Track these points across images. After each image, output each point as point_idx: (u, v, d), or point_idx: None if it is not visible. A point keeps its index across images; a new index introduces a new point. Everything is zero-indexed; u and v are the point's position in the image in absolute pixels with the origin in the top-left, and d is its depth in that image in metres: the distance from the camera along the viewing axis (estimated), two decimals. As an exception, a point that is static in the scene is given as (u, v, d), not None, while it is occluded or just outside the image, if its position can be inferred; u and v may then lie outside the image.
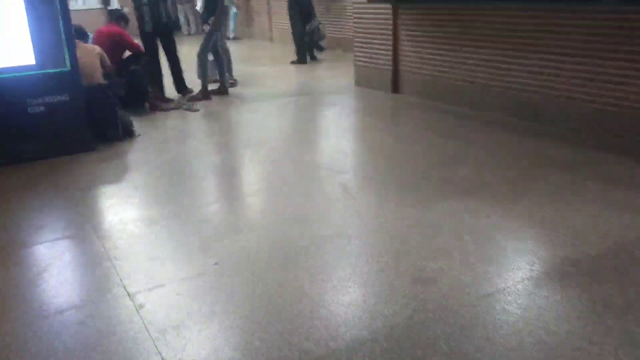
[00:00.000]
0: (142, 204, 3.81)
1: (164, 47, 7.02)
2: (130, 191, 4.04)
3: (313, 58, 9.93)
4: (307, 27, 9.55)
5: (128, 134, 5.32)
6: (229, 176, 4.53)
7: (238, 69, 8.27)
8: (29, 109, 4.66)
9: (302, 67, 9.45)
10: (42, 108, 4.71)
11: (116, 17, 7.17)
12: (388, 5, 6.52)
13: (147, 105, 6.48)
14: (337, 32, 10.71)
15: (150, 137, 5.42)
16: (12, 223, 3.51)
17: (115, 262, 2.90)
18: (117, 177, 4.40)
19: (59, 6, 4.60)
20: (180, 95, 7.19)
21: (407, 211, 3.39)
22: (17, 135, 4.63)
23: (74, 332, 2.33)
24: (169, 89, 7.13)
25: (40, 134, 4.71)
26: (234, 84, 7.76)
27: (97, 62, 5.41)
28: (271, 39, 13.14)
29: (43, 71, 4.67)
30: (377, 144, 5.03)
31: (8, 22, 4.50)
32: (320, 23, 9.73)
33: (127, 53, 6.96)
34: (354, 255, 2.89)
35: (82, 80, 4.95)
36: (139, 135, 5.40)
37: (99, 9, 16.25)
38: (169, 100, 6.89)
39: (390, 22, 6.58)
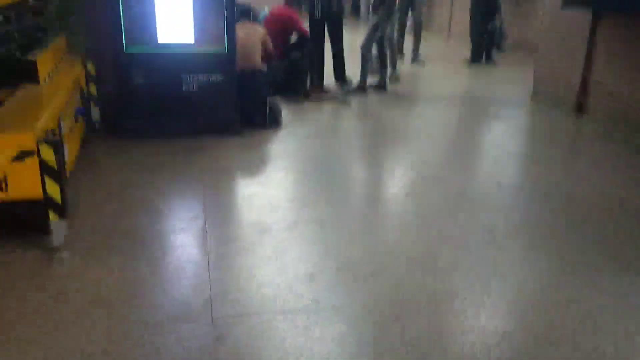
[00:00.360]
0: (279, 204, 3.57)
1: (330, 34, 6.76)
2: (271, 189, 3.84)
3: (489, 59, 9.04)
4: (489, 26, 8.68)
5: (275, 122, 5.15)
6: (361, 191, 4.12)
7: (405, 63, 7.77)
8: (183, 86, 4.69)
9: (476, 69, 8.65)
10: (195, 87, 4.71)
11: (290, -1, 7.08)
12: (586, 13, 5.53)
13: (301, 92, 6.31)
14: (521, 34, 9.64)
15: (296, 129, 5.21)
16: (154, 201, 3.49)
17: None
18: (257, 169, 4.25)
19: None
20: (337, 83, 6.93)
21: (567, 282, 2.70)
22: (170, 110, 4.69)
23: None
24: (328, 76, 6.89)
25: (191, 111, 4.73)
26: (396, 79, 7.30)
27: (258, 45, 5.30)
28: (449, 34, 12.37)
29: (200, 50, 4.65)
30: (544, 180, 4.10)
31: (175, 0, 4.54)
32: (502, 22, 8.81)
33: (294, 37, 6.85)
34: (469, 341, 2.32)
35: (239, 62, 4.86)
36: (286, 125, 5.21)
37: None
38: (324, 89, 6.66)
39: (587, 32, 5.59)
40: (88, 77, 4.54)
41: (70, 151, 3.50)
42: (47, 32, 4.22)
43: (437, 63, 9.18)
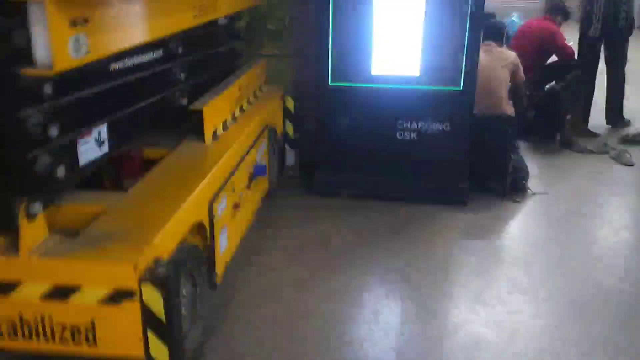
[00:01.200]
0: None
1: (607, 58, 4.94)
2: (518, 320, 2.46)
3: None
4: None
5: (518, 189, 3.67)
6: None
7: None
8: (397, 134, 3.50)
9: None
10: (414, 135, 3.49)
11: (552, 7, 5.38)
12: None
13: (557, 137, 4.65)
14: None
15: (551, 202, 3.65)
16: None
17: None
18: (488, 274, 2.84)
19: (468, 14, 3.19)
20: (609, 128, 5.08)
21: None
22: (377, 163, 3.54)
23: None
24: (596, 118, 5.07)
25: (403, 168, 3.52)
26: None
27: (506, 79, 3.84)
28: None
29: (424, 87, 3.40)
30: None
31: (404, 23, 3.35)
32: None
33: (551, 58, 5.19)
34: None
35: (478, 103, 3.51)
36: (534, 194, 3.69)
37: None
38: (591, 134, 4.88)
39: None
40: (286, 115, 3.65)
41: (235, 231, 2.58)
42: (239, 58, 3.40)
43: None
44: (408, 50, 3.36)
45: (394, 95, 3.43)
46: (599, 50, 4.87)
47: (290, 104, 3.64)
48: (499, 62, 3.84)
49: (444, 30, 3.29)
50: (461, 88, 3.36)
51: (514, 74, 3.93)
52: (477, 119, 3.52)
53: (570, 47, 5.06)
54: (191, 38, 2.49)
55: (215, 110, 2.61)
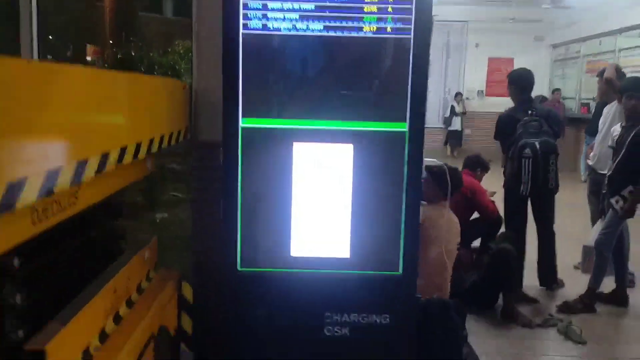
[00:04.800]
0: None
1: (536, 215, 4.67)
2: None
3: None
4: None
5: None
6: None
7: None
8: (325, 331, 2.78)
9: None
10: (345, 331, 2.79)
11: (471, 161, 5.19)
12: None
13: (501, 310, 4.13)
14: None
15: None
16: None
17: None
18: None
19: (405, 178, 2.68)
20: (543, 289, 4.71)
21: None
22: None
23: None
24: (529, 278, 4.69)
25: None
26: (630, 282, 4.86)
27: (454, 250, 3.32)
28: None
29: (358, 272, 2.77)
30: None
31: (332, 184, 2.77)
32: None
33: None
34: None
35: (424, 283, 2.92)
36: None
37: (441, 128, 15.16)
38: (529, 300, 4.44)
39: None
40: (182, 306, 2.85)
41: None
42: (120, 240, 2.62)
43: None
44: (335, 226, 2.77)
45: (320, 283, 2.76)
46: (526, 208, 4.61)
47: (188, 293, 2.86)
48: (447, 232, 3.35)
49: (378, 200, 2.75)
50: (400, 273, 2.76)
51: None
52: (423, 306, 2.91)
53: (493, 205, 4.81)
54: (35, 240, 1.70)
55: (68, 344, 1.77)
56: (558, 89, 12.38)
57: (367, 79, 2.71)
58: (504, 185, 4.64)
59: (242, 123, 2.62)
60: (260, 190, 2.72)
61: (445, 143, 14.67)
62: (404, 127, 2.65)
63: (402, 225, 2.72)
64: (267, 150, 2.68)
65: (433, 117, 15.64)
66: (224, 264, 2.74)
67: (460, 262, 4.35)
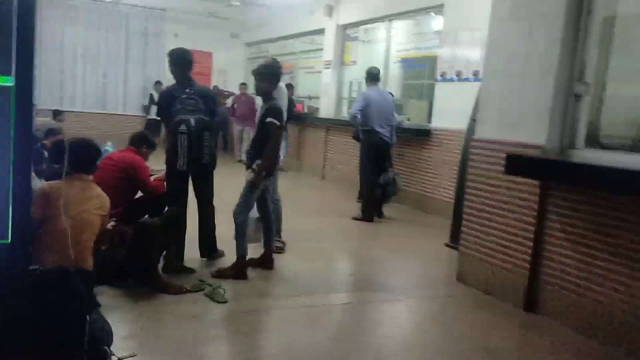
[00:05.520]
0: None
1: (196, 192, 4.90)
2: None
3: (380, 215, 7.73)
4: (382, 178, 7.46)
5: (103, 358, 2.95)
6: None
7: (284, 220, 5.88)
8: None
9: (367, 228, 7.22)
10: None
11: (137, 138, 5.18)
12: (533, 182, 4.36)
13: (154, 282, 4.19)
14: (413, 186, 8.59)
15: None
16: None
17: None
18: None
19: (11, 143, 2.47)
20: (205, 261, 4.97)
21: None
22: None
23: None
24: (192, 250, 4.90)
25: None
26: (280, 249, 5.49)
27: (96, 224, 3.23)
28: (323, 177, 11.18)
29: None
30: None
31: None
32: (397, 174, 7.66)
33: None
34: None
35: (47, 254, 2.73)
36: (134, 356, 3.04)
37: (140, 117, 14.79)
38: (187, 271, 4.63)
39: (535, 206, 4.37)
40: None
41: None
42: None
43: (320, 218, 7.66)
44: None
45: None
46: (187, 183, 4.79)
47: None
48: (80, 200, 3.22)
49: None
50: (9, 241, 2.54)
51: (105, 218, 3.38)
52: (39, 276, 2.74)
53: (156, 183, 4.88)
54: None
55: None
56: (244, 84, 13.29)
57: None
58: (166, 161, 4.73)
59: None
60: None
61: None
62: (10, 82, 2.45)
63: (10, 192, 2.51)
64: None
65: (133, 105, 15.21)
66: None
67: (124, 238, 4.31)
